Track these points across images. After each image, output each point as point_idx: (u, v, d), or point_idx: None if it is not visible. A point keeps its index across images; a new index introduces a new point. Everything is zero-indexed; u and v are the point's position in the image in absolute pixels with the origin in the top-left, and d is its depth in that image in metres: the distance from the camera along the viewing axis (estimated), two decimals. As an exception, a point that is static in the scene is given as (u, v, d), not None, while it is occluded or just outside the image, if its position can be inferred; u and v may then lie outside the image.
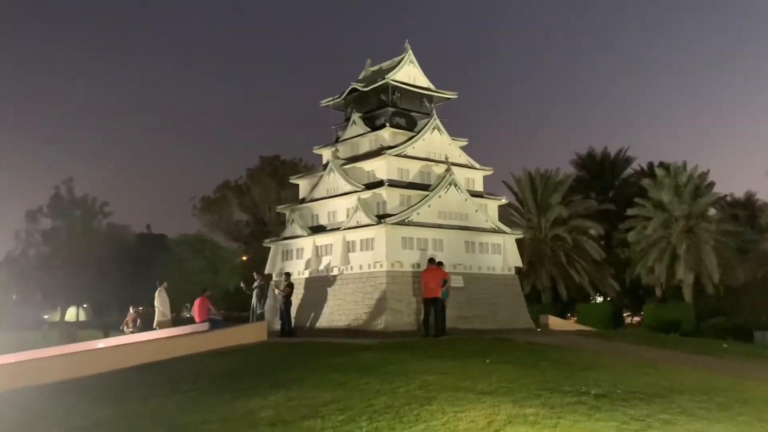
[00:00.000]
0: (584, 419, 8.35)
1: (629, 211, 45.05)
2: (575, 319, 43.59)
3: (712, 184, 45.17)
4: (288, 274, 21.90)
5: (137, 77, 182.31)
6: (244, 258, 53.70)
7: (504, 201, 25.94)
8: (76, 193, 49.06)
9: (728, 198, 52.61)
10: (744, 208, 51.81)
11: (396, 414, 8.73)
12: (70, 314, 57.10)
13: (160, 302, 21.46)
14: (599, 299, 54.50)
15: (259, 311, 22.65)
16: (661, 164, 48.48)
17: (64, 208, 47.89)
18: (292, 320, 21.07)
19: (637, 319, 53.18)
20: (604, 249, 49.15)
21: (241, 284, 24.31)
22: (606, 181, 55.98)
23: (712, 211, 46.31)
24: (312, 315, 22.07)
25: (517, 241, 24.37)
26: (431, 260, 19.69)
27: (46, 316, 62.92)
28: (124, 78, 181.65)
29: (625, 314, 56.89)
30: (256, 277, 23.18)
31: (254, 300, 22.90)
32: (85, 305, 58.63)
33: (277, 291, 21.88)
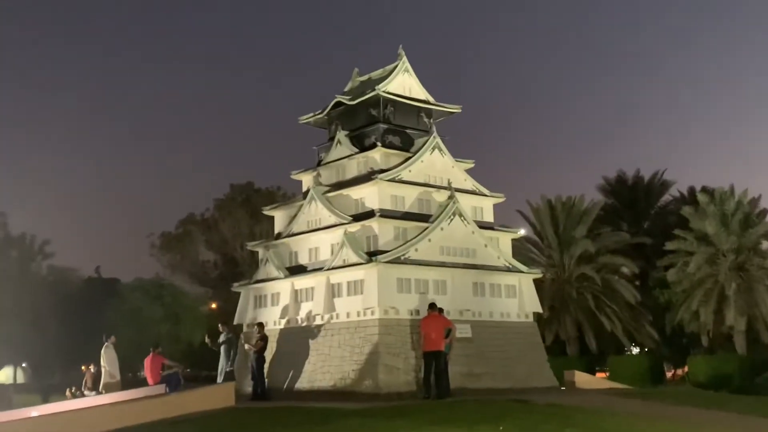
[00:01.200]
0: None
1: (668, 245, 44.62)
2: (606, 374, 43.02)
3: (765, 212, 44.89)
4: (260, 325, 21.46)
5: (84, 92, 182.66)
6: (214, 306, 53.06)
7: (520, 233, 25.66)
8: (11, 230, 48.65)
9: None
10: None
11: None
12: (5, 375, 56.23)
13: (107, 361, 21.00)
14: (635, 350, 53.91)
15: (227, 369, 22.11)
16: (704, 189, 48.30)
17: (-4, 249, 47.40)
18: (265, 380, 20.54)
19: (679, 373, 52.55)
20: (640, 290, 48.66)
21: (206, 339, 23.68)
22: (640, 210, 55.69)
23: (765, 245, 46.08)
24: (290, 374, 21.57)
25: (536, 282, 24.02)
26: (432, 306, 19.28)
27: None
28: (69, 97, 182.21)
29: (666, 368, 56.35)
30: (222, 329, 22.65)
31: (222, 357, 22.37)
32: (23, 364, 57.82)
33: (247, 346, 21.42)
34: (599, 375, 42.73)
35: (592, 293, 45.72)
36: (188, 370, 51.00)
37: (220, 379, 21.80)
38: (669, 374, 56.14)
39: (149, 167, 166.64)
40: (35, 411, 17.94)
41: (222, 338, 22.42)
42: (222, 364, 22.15)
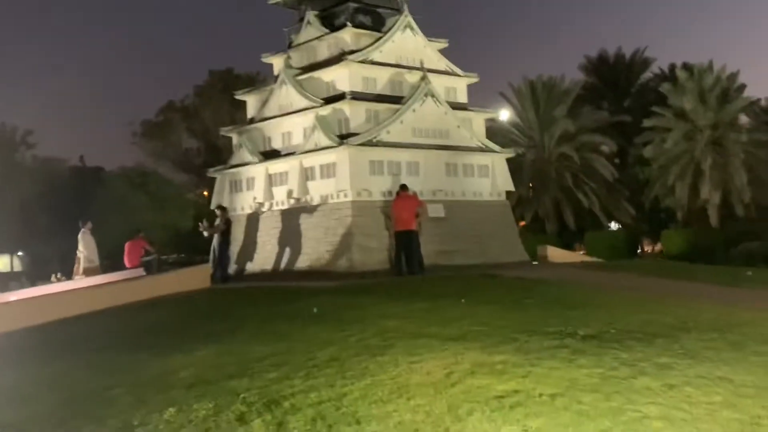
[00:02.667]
0: (563, 366, 8.09)
1: (646, 122, 44.70)
2: (584, 250, 43.78)
3: (742, 87, 44.77)
4: (223, 209, 21.34)
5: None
6: (206, 193, 53.04)
7: (493, 114, 25.47)
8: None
9: (762, 102, 52.07)
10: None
11: (340, 368, 8.45)
12: (3, 263, 56.85)
13: (84, 246, 21.05)
14: (614, 226, 54.70)
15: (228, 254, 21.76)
16: (684, 65, 47.89)
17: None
18: (231, 263, 20.77)
19: (657, 247, 53.57)
20: (618, 168, 49.10)
21: (200, 225, 22.93)
22: (620, 89, 55.45)
23: (743, 119, 46.09)
24: (266, 256, 21.73)
25: (518, 162, 24.01)
26: (403, 187, 19.28)
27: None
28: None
29: (646, 242, 57.40)
30: (221, 215, 22.02)
31: (215, 242, 21.87)
32: (20, 253, 58.30)
33: (206, 232, 21.37)
34: (578, 250, 43.55)
35: (571, 172, 46.04)
36: (182, 255, 51.60)
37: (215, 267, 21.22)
38: (648, 249, 57.32)
39: (127, 54, 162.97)
40: (14, 296, 18.17)
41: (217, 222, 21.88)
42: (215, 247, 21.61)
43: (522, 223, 48.70)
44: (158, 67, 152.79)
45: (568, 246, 42.35)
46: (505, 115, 46.46)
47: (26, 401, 8.34)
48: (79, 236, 21.18)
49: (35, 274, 48.38)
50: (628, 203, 47.59)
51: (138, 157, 59.80)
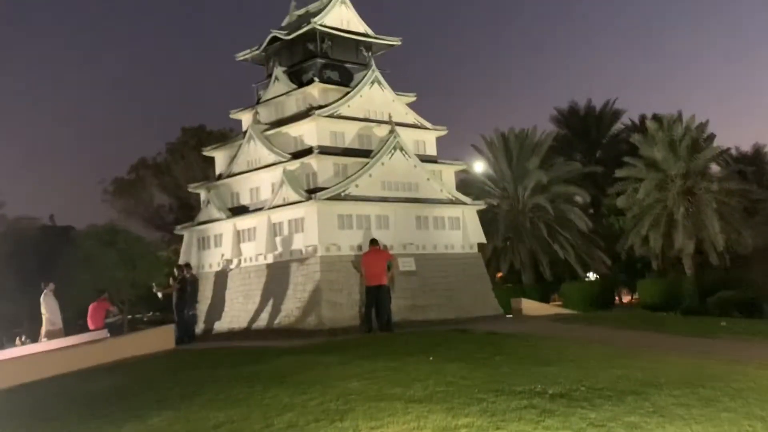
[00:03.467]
0: (530, 428, 7.76)
1: (618, 173, 44.89)
2: (561, 301, 43.58)
3: (712, 137, 45.21)
4: (180, 266, 20.94)
5: (29, 46, 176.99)
6: (178, 250, 52.34)
7: (463, 166, 25.41)
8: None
9: (732, 152, 52.73)
10: (751, 163, 52.12)
11: (297, 436, 8.07)
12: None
13: (47, 308, 20.47)
14: (592, 276, 54.66)
15: (191, 312, 21.26)
16: (654, 116, 48.38)
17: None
18: (195, 323, 20.50)
19: (633, 297, 53.52)
20: (593, 218, 49.18)
21: (153, 286, 22.61)
22: (592, 140, 55.94)
23: (714, 168, 46.48)
24: (234, 314, 21.31)
25: (492, 213, 23.92)
26: (373, 241, 19.06)
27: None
28: (15, 53, 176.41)
29: (623, 292, 57.36)
30: (178, 273, 21.56)
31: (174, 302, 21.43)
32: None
33: (160, 293, 21.13)
34: (554, 302, 43.34)
35: (546, 222, 45.96)
36: (157, 314, 50.56)
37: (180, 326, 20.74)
38: (625, 299, 57.28)
39: (98, 114, 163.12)
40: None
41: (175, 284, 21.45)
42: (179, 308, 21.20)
43: (499, 275, 48.53)
44: (130, 125, 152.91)
45: (544, 297, 42.16)
46: (479, 167, 46.57)
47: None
48: (42, 298, 20.63)
49: (4, 336, 47.30)
50: (604, 253, 47.50)
51: (109, 215, 59.22)
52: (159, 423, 9.32)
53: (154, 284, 21.75)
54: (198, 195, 30.41)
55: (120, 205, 55.70)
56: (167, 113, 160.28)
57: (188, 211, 51.73)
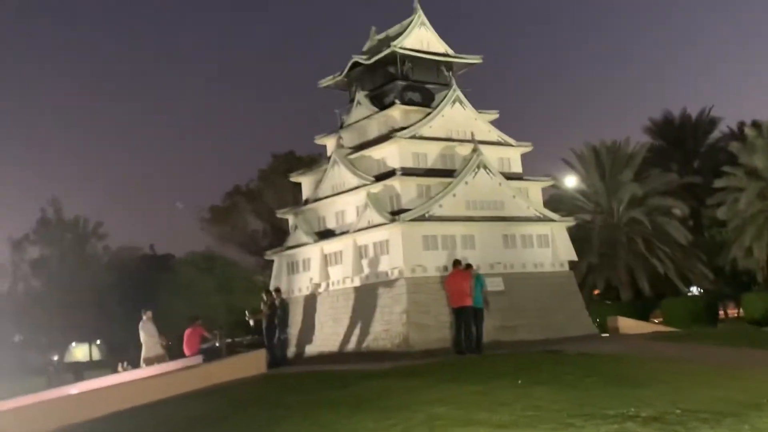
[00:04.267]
0: (618, 455, 7.45)
1: (717, 183, 43.27)
2: (662, 317, 42.08)
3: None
4: (269, 292, 21.11)
5: (125, 84, 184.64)
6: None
7: (549, 182, 24.98)
8: (65, 214, 49.67)
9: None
10: None
11: (379, 464, 7.99)
12: (82, 353, 57.88)
13: (145, 334, 21.03)
14: (695, 291, 52.69)
15: (283, 337, 21.50)
16: (753, 123, 46.50)
17: (52, 233, 48.48)
18: (286, 347, 20.58)
19: (738, 312, 51.29)
20: (693, 231, 47.48)
21: (246, 314, 22.86)
22: (688, 150, 54.16)
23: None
24: (323, 337, 21.47)
25: (586, 229, 23.42)
26: (456, 262, 18.84)
27: (55, 357, 64.11)
28: (110, 87, 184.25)
29: (728, 306, 55.01)
30: (267, 299, 21.83)
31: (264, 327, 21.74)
32: (98, 342, 59.29)
33: (250, 319, 21.33)
34: (654, 319, 41.86)
35: (643, 237, 44.64)
36: (256, 337, 51.60)
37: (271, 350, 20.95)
38: (731, 313, 54.89)
39: (197, 147, 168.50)
40: (75, 389, 18.18)
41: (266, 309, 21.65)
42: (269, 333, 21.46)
43: (596, 292, 47.34)
44: (223, 154, 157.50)
45: (644, 314, 40.75)
46: (570, 181, 45.75)
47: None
48: (140, 325, 21.23)
49: (113, 362, 49.13)
50: (706, 267, 45.67)
51: (206, 242, 60.84)
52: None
53: (247, 312, 22.06)
54: (287, 220, 30.95)
55: (216, 232, 57.16)
56: (258, 141, 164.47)
57: (281, 235, 52.53)
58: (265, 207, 54.05)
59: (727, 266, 45.30)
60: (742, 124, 50.86)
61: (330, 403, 11.75)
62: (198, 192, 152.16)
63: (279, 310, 20.12)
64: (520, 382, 12.02)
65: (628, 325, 25.08)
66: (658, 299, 45.60)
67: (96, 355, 58.67)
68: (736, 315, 53.58)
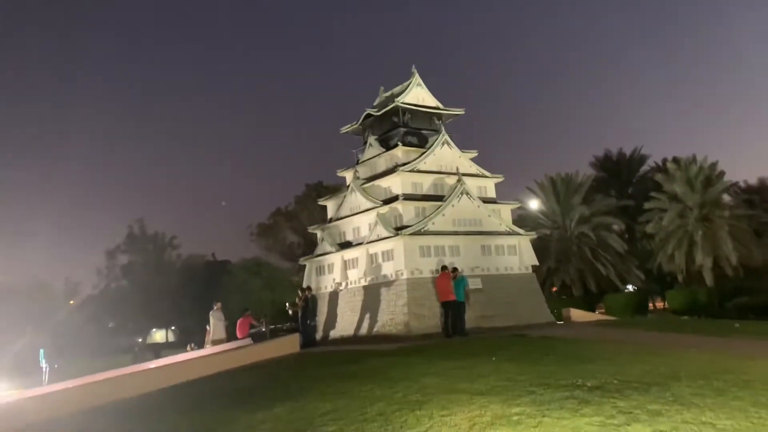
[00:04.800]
0: (569, 416, 7.35)
1: (646, 205, 43.13)
2: (604, 309, 41.73)
3: (722, 173, 42.80)
4: (301, 289, 21.07)
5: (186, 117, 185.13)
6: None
7: (516, 205, 24.82)
8: (147, 230, 49.76)
9: (741, 184, 49.90)
10: (758, 193, 49.09)
11: (385, 421, 7.89)
12: (161, 336, 57.76)
13: (214, 321, 20.94)
14: (630, 288, 52.25)
15: (312, 324, 21.42)
16: (674, 159, 46.33)
17: (138, 245, 48.57)
18: (315, 332, 20.37)
19: (663, 305, 50.78)
20: (627, 242, 47.20)
21: (287, 305, 22.88)
22: (624, 180, 53.97)
23: (727, 198, 43.95)
24: (343, 324, 21.37)
25: (546, 241, 23.22)
26: (443, 267, 18.77)
27: (139, 340, 64.09)
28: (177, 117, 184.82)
29: (656, 300, 54.49)
30: (301, 294, 21.85)
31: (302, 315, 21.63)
32: (173, 327, 59.19)
33: (290, 311, 21.09)
34: (599, 310, 41.50)
35: (589, 247, 44.40)
36: (293, 324, 51.50)
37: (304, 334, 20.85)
38: (659, 305, 54.33)
39: (247, 173, 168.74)
40: (153, 363, 18.15)
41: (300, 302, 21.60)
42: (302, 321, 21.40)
43: (554, 289, 47.03)
44: (268, 181, 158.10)
45: (591, 306, 40.45)
46: (534, 204, 45.67)
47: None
48: (210, 313, 21.15)
49: (183, 344, 49.05)
50: (638, 269, 45.38)
51: (255, 251, 60.81)
52: (281, 411, 9.30)
53: (288, 303, 22.00)
54: (316, 234, 30.85)
55: (262, 243, 57.20)
56: (293, 172, 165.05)
57: (312, 246, 52.54)
58: (299, 225, 54.08)
59: (654, 269, 44.95)
60: (665, 160, 50.64)
61: (348, 375, 11.66)
62: (247, 209, 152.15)
63: (310, 303, 20.07)
64: (494, 359, 11.90)
65: (578, 315, 24.81)
66: (601, 295, 45.27)
67: (170, 338, 58.56)
68: (662, 307, 53.03)
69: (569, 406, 7.81)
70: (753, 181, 52.18)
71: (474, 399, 8.55)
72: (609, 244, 44.50)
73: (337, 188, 52.41)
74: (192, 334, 54.27)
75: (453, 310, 17.83)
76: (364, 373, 11.52)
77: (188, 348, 27.72)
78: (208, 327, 24.26)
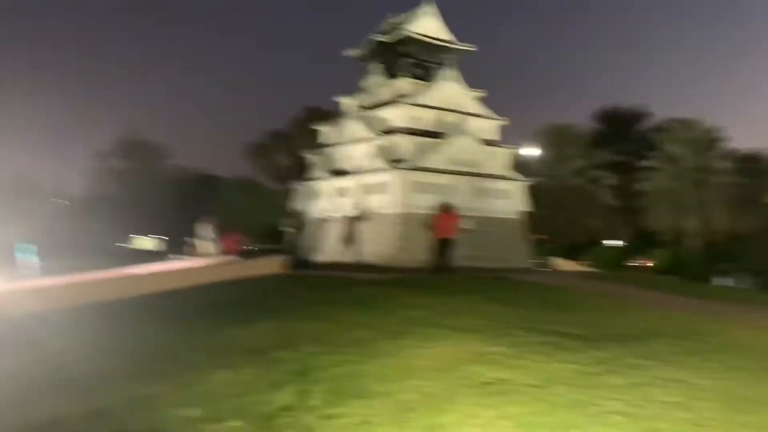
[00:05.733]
0: (546, 360, 7.44)
1: (643, 163, 43.11)
2: (585, 261, 42.28)
3: (722, 140, 42.71)
4: (296, 212, 21.11)
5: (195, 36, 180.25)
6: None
7: (516, 149, 24.61)
8: (142, 136, 49.22)
9: (737, 154, 49.79)
10: (752, 163, 49.15)
11: (363, 348, 7.97)
12: (142, 243, 58.05)
13: (204, 235, 21.02)
14: (616, 243, 52.86)
15: (305, 246, 21.54)
16: (676, 119, 46.05)
17: (131, 151, 48.09)
18: (307, 255, 20.47)
19: (648, 263, 51.59)
20: (619, 198, 47.48)
21: (283, 222, 22.85)
22: (623, 136, 53.64)
23: (722, 166, 44.01)
24: (329, 250, 21.44)
25: (539, 188, 23.18)
26: (448, 205, 18.59)
27: (123, 244, 64.28)
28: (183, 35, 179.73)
29: (641, 258, 55.35)
30: (297, 217, 21.96)
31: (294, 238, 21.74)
32: (158, 236, 59.42)
33: (290, 228, 21.11)
34: (583, 261, 42.06)
35: (582, 199, 44.65)
36: (276, 245, 51.90)
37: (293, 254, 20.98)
38: (643, 263, 55.21)
39: (246, 90, 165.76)
40: (138, 269, 18.28)
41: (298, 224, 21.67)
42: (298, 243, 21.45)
43: (541, 237, 47.50)
44: (265, 100, 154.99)
45: (575, 257, 40.96)
46: (533, 151, 45.51)
47: (112, 354, 8.13)
48: (199, 226, 21.21)
49: (167, 253, 49.31)
50: (626, 226, 45.85)
51: (248, 169, 60.48)
52: (266, 328, 9.38)
53: (284, 222, 21.95)
54: (310, 159, 30.52)
55: (256, 163, 56.79)
56: (295, 90, 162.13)
57: (305, 171, 52.34)
58: (294, 148, 53.56)
59: (641, 227, 45.44)
60: (667, 119, 50.32)
61: (334, 300, 11.75)
62: (243, 127, 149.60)
63: (306, 226, 20.13)
64: (478, 298, 12.01)
65: (563, 264, 25.14)
66: (587, 246, 45.82)
67: (155, 246, 58.96)
68: (645, 265, 53.85)
69: (545, 350, 7.89)
70: (745, 149, 52.14)
71: (454, 335, 8.64)
72: (600, 198, 44.77)
73: (332, 115, 51.93)
74: (177, 245, 54.61)
75: (449, 247, 17.89)
76: (349, 299, 11.61)
77: (172, 258, 27.88)
78: (194, 240, 24.37)
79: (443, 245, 18.05)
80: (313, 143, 50.08)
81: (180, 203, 47.30)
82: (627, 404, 5.91)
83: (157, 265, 20.22)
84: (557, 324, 9.57)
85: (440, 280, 15.43)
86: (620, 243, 51.59)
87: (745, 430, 5.45)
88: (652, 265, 47.29)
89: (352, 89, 24.20)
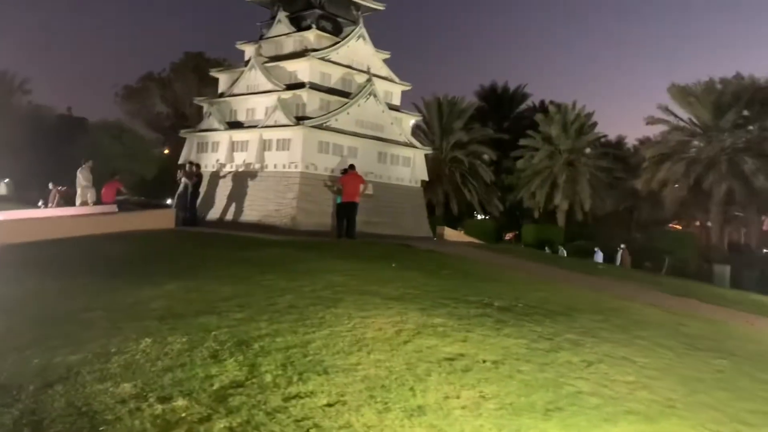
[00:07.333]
0: (493, 334, 7.18)
1: (521, 141, 44.92)
2: (463, 232, 43.64)
3: (594, 124, 45.59)
4: (191, 163, 19.56)
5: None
6: (166, 151, 49.82)
7: (418, 118, 24.41)
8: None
9: (602, 139, 53.48)
10: (615, 149, 53.00)
11: (299, 315, 7.27)
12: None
13: (84, 181, 18.75)
14: (483, 216, 54.99)
15: (197, 202, 19.55)
16: (553, 102, 48.38)
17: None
18: (196, 211, 19.04)
19: (513, 236, 54.29)
20: (495, 173, 49.24)
21: (179, 173, 20.48)
22: (503, 114, 55.63)
23: (590, 150, 46.94)
24: (222, 208, 20.14)
25: (426, 157, 23.08)
26: (352, 166, 18.03)
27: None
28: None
29: (505, 232, 58.06)
30: (190, 169, 19.79)
31: (188, 191, 19.67)
32: (6, 180, 53.49)
33: (184, 179, 19.51)
34: (459, 232, 43.34)
35: (460, 172, 45.77)
36: (142, 198, 48.55)
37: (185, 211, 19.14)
38: (508, 237, 58.05)
39: (120, 27, 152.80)
40: (1, 215, 15.97)
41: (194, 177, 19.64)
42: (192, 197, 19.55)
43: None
44: (142, 38, 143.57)
45: (452, 228, 42.09)
46: (415, 121, 45.87)
47: (5, 316, 6.81)
48: (78, 171, 18.92)
49: (18, 198, 44.51)
50: (499, 201, 47.76)
51: (117, 114, 55.84)
52: (175, 290, 8.38)
53: (179, 172, 19.89)
54: (194, 108, 28.60)
55: (127, 108, 52.37)
56: (175, 35, 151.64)
57: (183, 120, 49.08)
58: (172, 94, 50.06)
59: (512, 202, 47.52)
60: (544, 102, 52.79)
61: (242, 261, 10.87)
62: (113, 65, 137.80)
63: (196, 179, 18.64)
64: (394, 265, 11.64)
65: (450, 234, 25.47)
66: (461, 218, 47.29)
67: (4, 190, 53.06)
68: (511, 238, 56.68)
69: (488, 324, 7.65)
70: (612, 137, 56.24)
71: (389, 303, 8.17)
72: (478, 172, 46.20)
73: (221, 63, 48.95)
74: (29, 190, 49.53)
75: (352, 212, 17.34)
76: (259, 261, 10.78)
77: (39, 205, 25.13)
78: (54, 187, 22.01)
79: (347, 209, 17.52)
80: (195, 91, 47.22)
81: (37, 145, 42.58)
82: (594, 384, 5.75)
83: (18, 212, 17.81)
84: (481, 295, 9.40)
85: (346, 246, 14.91)
86: (489, 217, 53.88)
87: (708, 410, 5.48)
88: (518, 238, 49.90)
89: (252, 37, 22.63)
